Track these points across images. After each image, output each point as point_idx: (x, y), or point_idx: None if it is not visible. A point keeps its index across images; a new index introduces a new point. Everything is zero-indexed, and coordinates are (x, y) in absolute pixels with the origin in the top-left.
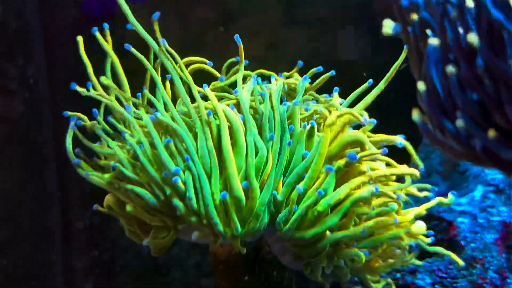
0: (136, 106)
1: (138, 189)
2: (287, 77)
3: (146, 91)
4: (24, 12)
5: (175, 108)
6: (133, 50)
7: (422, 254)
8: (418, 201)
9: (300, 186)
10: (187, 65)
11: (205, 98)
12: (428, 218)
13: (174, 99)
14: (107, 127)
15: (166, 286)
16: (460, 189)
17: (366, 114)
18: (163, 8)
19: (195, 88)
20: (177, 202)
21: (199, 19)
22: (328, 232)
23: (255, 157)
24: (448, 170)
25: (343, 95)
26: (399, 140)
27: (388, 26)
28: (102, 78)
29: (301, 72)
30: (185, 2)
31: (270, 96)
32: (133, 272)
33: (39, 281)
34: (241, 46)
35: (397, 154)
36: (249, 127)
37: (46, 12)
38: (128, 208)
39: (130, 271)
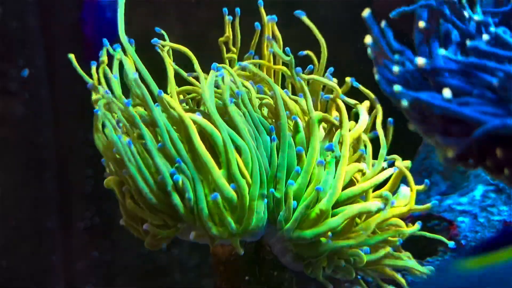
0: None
1: (140, 183)
2: None
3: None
4: (24, 13)
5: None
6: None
7: (423, 253)
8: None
9: (294, 180)
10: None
11: None
12: (428, 217)
13: None
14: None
15: (167, 287)
16: (461, 189)
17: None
18: (163, 8)
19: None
20: (176, 200)
21: (199, 19)
22: (329, 240)
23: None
24: (449, 169)
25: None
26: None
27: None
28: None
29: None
30: (185, 2)
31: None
32: (134, 273)
33: (39, 283)
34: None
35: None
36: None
37: (45, 13)
38: (129, 205)
39: (130, 272)
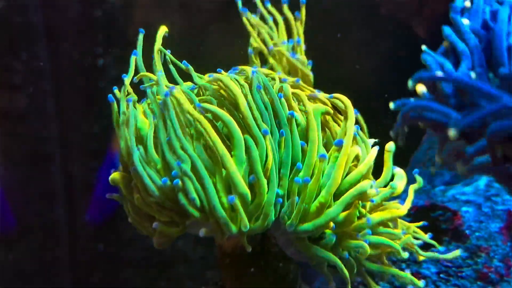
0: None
1: (145, 179)
2: None
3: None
4: (27, 7)
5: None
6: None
7: (427, 244)
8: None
9: (299, 177)
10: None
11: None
12: (433, 207)
13: None
14: None
15: (172, 279)
16: (465, 178)
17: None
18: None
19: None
20: (182, 200)
21: (201, 11)
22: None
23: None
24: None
25: (346, 89)
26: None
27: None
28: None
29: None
30: None
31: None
32: (139, 266)
33: (45, 276)
34: None
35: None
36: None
37: (49, 7)
38: (136, 201)
39: (135, 265)
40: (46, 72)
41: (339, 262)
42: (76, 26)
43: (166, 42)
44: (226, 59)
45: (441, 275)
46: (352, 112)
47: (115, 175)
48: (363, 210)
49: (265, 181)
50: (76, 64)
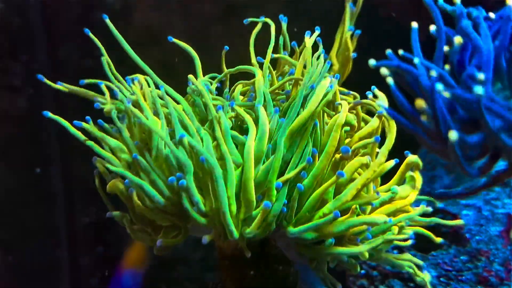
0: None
1: (146, 187)
2: None
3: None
4: (27, 9)
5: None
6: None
7: (427, 247)
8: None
9: (301, 184)
10: None
11: None
12: (433, 211)
13: None
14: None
15: (172, 281)
16: (465, 182)
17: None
18: (166, 2)
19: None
20: (186, 204)
21: (203, 13)
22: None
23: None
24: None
25: (348, 86)
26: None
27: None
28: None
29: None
30: None
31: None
32: None
33: (45, 278)
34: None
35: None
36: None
37: (49, 9)
38: (137, 208)
39: None
40: (46, 74)
41: (346, 250)
42: (76, 28)
43: (167, 45)
44: (226, 61)
45: (441, 279)
46: (392, 138)
47: (113, 184)
48: (362, 214)
49: (275, 194)
50: (76, 66)
